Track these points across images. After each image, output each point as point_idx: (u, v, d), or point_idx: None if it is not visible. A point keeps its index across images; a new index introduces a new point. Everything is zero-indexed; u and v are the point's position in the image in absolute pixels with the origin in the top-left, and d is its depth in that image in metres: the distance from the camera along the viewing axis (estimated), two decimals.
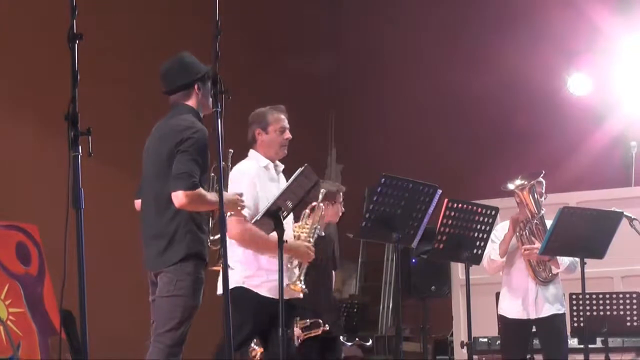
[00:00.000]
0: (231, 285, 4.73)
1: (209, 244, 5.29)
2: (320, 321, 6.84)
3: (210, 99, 5.36)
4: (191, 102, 5.34)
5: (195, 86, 5.33)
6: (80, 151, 3.98)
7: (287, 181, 5.84)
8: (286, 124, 6.08)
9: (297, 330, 6.80)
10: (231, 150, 5.80)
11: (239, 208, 5.36)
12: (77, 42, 4.01)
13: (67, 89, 4.01)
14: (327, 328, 6.85)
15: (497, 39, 11.60)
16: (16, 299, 8.90)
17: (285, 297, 5.49)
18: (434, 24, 12.55)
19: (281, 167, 6.11)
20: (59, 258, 4.11)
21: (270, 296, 5.73)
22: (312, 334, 6.84)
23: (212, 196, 5.11)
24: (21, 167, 9.48)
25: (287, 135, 6.07)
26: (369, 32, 13.08)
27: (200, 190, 5.06)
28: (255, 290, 5.78)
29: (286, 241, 5.55)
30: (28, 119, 9.65)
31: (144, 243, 5.28)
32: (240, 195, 5.38)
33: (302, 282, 5.86)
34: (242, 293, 5.72)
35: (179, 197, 5.02)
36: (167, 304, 5.06)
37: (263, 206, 5.64)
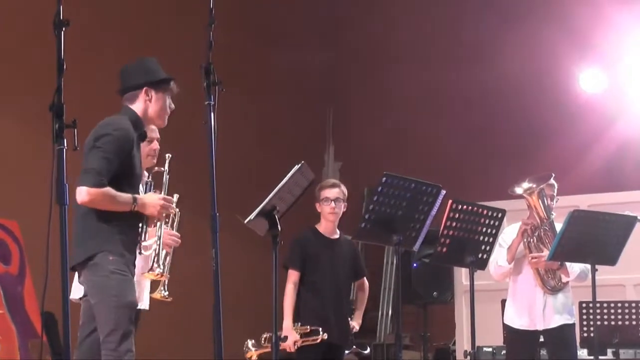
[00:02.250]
0: None
1: (140, 249, 5.26)
2: (320, 330, 6.85)
3: (167, 111, 5.35)
4: (135, 107, 5.31)
5: (144, 90, 5.30)
6: (65, 144, 3.99)
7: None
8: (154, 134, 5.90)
9: (295, 335, 6.83)
10: (169, 155, 5.78)
11: (165, 213, 5.34)
12: (64, 29, 4.02)
13: (52, 79, 4.01)
14: (326, 337, 6.85)
15: (503, 32, 11.57)
16: None
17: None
18: (436, 17, 12.55)
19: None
20: (41, 257, 4.10)
21: None
22: (310, 342, 6.85)
23: (124, 198, 5.08)
24: (1, 160, 9.46)
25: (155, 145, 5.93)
26: (369, 26, 13.08)
27: (108, 189, 5.03)
28: None
29: None
30: (9, 109, 9.63)
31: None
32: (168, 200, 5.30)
33: (165, 289, 5.70)
34: None
35: (81, 193, 5.01)
36: (100, 309, 5.07)
37: None
